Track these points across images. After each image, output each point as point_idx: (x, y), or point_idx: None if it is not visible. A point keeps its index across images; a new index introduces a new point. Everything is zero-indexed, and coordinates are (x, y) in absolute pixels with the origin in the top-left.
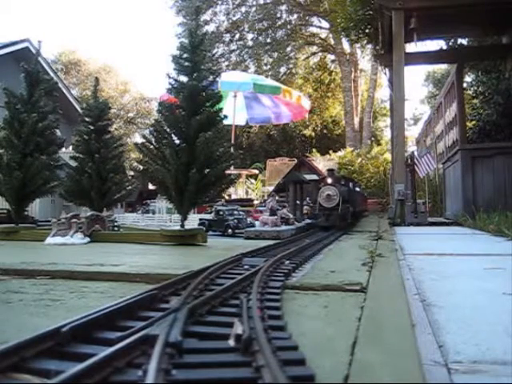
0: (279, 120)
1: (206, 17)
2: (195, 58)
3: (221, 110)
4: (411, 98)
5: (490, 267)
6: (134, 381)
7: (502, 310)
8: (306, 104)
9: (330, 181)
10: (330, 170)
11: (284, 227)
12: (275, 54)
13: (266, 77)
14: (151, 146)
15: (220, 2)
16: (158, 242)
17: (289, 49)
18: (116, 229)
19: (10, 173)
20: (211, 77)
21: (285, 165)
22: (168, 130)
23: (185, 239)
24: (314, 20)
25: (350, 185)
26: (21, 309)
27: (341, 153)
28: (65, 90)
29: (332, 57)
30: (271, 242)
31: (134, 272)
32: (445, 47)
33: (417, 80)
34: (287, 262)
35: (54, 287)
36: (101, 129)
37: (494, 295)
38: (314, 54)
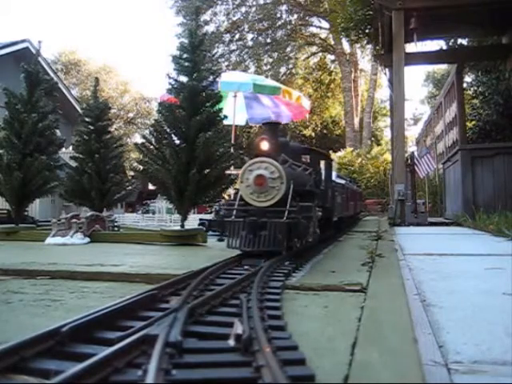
0: (279, 120)
1: (205, 17)
2: (195, 58)
3: (221, 110)
4: (411, 98)
5: (490, 267)
6: (134, 381)
7: (501, 310)
8: (306, 104)
9: (266, 147)
10: (270, 124)
11: None
12: (275, 54)
13: (266, 77)
14: (151, 147)
15: (220, 2)
16: (158, 242)
17: (289, 49)
18: (116, 229)
19: (10, 173)
20: (211, 77)
21: None
22: (168, 130)
23: (185, 239)
24: (314, 20)
25: (321, 167)
26: (21, 309)
27: (341, 153)
28: (65, 90)
29: (332, 57)
30: None
31: (133, 272)
32: (445, 47)
33: (417, 80)
34: (287, 262)
35: (53, 287)
36: (101, 129)
37: (494, 295)
38: (313, 54)
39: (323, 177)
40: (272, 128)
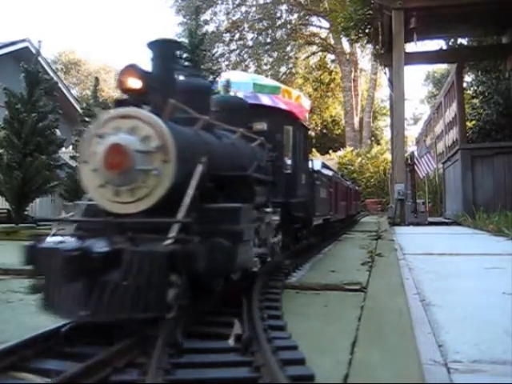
0: None
1: (205, 16)
2: (195, 58)
3: None
4: (411, 98)
5: (490, 267)
6: (134, 380)
7: (501, 309)
8: (306, 104)
9: (137, 83)
10: (157, 42)
11: None
12: (275, 54)
13: (266, 76)
14: None
15: (220, 2)
16: None
17: (289, 48)
18: None
19: (10, 173)
20: (211, 77)
21: None
22: None
23: None
24: (314, 20)
25: (287, 137)
26: (21, 308)
27: (341, 152)
28: (65, 90)
29: (332, 56)
30: None
31: None
32: (445, 47)
33: (417, 80)
34: (287, 261)
35: None
36: None
37: (494, 295)
38: (313, 53)
39: (289, 153)
40: (161, 49)
